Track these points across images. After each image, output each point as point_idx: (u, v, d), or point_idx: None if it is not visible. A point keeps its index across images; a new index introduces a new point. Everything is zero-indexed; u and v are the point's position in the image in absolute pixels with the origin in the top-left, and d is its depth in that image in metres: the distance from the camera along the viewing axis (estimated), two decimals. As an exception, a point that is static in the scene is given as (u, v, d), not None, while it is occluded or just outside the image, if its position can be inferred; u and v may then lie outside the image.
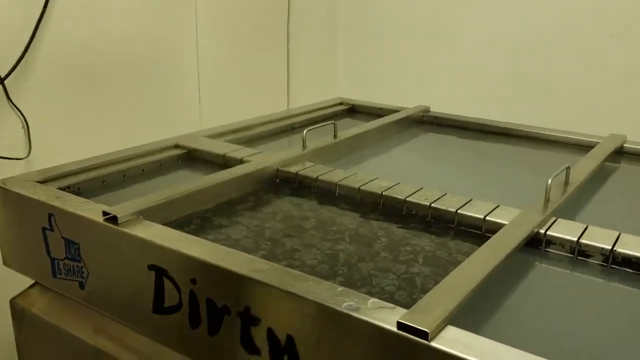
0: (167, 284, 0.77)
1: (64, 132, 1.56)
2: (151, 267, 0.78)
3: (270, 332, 0.68)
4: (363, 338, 0.61)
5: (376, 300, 0.64)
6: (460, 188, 1.06)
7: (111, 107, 1.67)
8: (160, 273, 0.78)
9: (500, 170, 1.24)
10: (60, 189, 0.99)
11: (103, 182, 1.07)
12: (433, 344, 0.57)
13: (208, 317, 0.74)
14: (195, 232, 0.86)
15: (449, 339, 0.57)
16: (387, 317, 0.60)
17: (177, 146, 1.23)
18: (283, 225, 0.90)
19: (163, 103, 1.80)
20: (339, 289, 0.66)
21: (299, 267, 0.77)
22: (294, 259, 0.79)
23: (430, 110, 1.61)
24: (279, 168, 1.09)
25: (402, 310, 0.61)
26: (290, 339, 0.66)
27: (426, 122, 1.59)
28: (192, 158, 1.21)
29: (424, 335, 0.57)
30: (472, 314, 0.66)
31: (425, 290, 0.72)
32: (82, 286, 0.90)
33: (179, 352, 0.81)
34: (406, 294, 0.71)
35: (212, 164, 1.17)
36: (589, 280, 0.78)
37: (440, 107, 1.61)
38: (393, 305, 0.63)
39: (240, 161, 1.12)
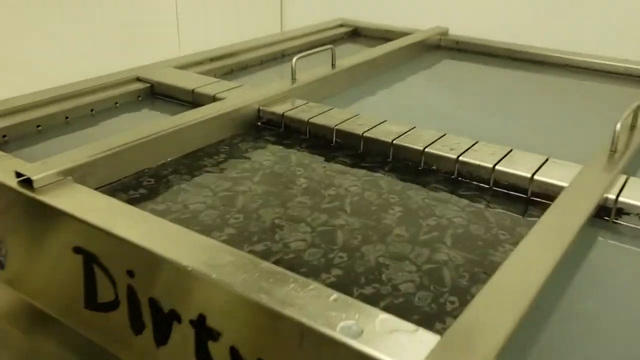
0: (99, 273, 0.56)
1: (3, 59, 1.31)
2: (77, 250, 0.57)
3: (234, 353, 0.47)
4: (368, 379, 0.40)
5: (388, 317, 0.42)
6: (494, 133, 0.83)
7: (64, 30, 1.41)
8: (89, 259, 0.56)
9: (542, 108, 1.00)
10: (-23, 137, 0.77)
11: (38, 127, 0.84)
12: (479, 400, 0.36)
13: (153, 322, 0.53)
14: (142, 200, 0.65)
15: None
16: (405, 348, 0.39)
17: (137, 79, 0.99)
18: (262, 188, 0.68)
19: (132, 26, 1.53)
20: (333, 296, 0.44)
21: (280, 254, 0.55)
22: (273, 240, 0.57)
23: (449, 32, 1.35)
24: (261, 107, 0.86)
25: (428, 336, 0.40)
26: (262, 365, 0.46)
27: (444, 47, 1.33)
28: (155, 94, 0.97)
29: (465, 387, 0.36)
30: (529, 331, 0.45)
31: (458, 290, 0.51)
32: (1, 266, 0.69)
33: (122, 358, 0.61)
34: (431, 298, 0.50)
35: (179, 102, 0.93)
36: (680, 267, 0.57)
37: (461, 28, 1.35)
38: (413, 327, 0.41)
39: (213, 98, 0.89)
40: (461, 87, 1.11)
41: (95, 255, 0.55)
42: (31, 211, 0.61)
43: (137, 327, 0.55)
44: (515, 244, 0.58)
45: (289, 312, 0.43)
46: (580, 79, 1.14)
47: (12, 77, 1.25)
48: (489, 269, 0.54)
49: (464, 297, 0.50)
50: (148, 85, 0.98)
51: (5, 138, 0.80)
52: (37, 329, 0.71)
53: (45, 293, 0.65)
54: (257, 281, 0.46)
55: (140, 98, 0.96)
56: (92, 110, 0.90)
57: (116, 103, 0.93)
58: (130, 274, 0.53)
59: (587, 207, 0.58)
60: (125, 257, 0.53)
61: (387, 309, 0.48)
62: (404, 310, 0.48)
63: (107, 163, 0.67)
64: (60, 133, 0.84)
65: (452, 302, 0.49)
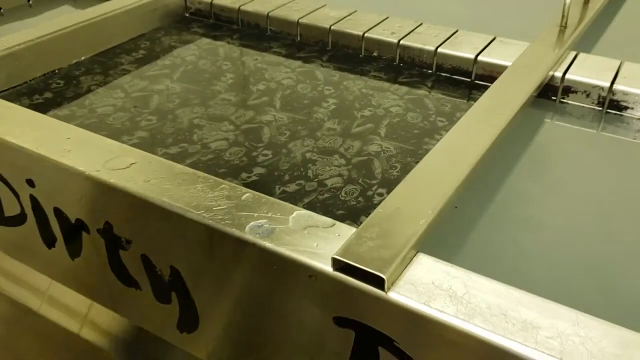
0: (1, 187, 0.51)
1: None
2: (-25, 162, 0.52)
3: (146, 261, 0.44)
4: (277, 280, 0.37)
5: (303, 212, 0.39)
6: (439, 14, 0.77)
7: None
8: (-13, 170, 0.51)
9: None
10: None
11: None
12: (391, 295, 0.33)
13: (62, 234, 0.49)
14: (46, 105, 0.58)
15: (418, 284, 0.33)
16: (317, 246, 0.36)
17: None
18: (182, 85, 0.62)
19: None
20: (245, 195, 0.40)
21: (197, 155, 0.51)
22: (190, 141, 0.52)
23: None
24: (188, -3, 0.78)
25: (344, 229, 0.37)
26: (175, 272, 0.43)
27: None
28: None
29: (377, 281, 0.33)
30: (456, 222, 0.42)
31: (387, 182, 0.47)
32: None
33: (42, 273, 0.57)
34: (358, 191, 0.46)
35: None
36: (629, 145, 0.54)
37: None
38: (331, 221, 0.38)
39: (135, -11, 0.80)
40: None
41: (-7, 165, 0.50)
42: None
43: (49, 240, 0.51)
44: (454, 130, 0.54)
45: (194, 215, 0.39)
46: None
47: None
48: (422, 158, 0.50)
49: (393, 188, 0.46)
50: (64, -22, 0.88)
51: None
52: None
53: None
54: (161, 184, 0.41)
55: (55, -6, 0.86)
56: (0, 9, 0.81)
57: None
58: (31, 183, 0.48)
59: (529, 85, 0.54)
60: (24, 166, 0.48)
61: (310, 206, 0.44)
62: (329, 205, 0.44)
63: (12, 63, 0.60)
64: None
65: (381, 195, 0.46)
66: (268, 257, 0.36)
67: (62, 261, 0.51)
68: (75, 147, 0.46)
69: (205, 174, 0.42)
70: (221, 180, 0.42)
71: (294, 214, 0.39)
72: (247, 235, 0.37)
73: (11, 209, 0.52)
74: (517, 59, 0.58)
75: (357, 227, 0.37)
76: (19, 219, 0.52)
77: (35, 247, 0.52)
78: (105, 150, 0.45)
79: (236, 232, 0.37)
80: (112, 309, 0.50)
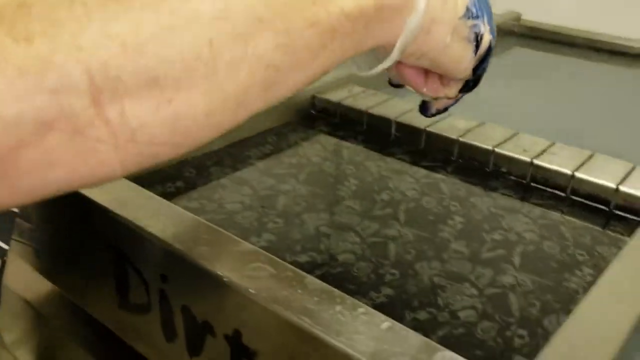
0: (132, 274, 0.52)
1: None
2: (110, 248, 0.54)
3: (270, 376, 0.43)
4: None
5: (448, 353, 0.36)
6: (573, 134, 0.74)
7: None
8: (121, 258, 0.53)
9: (626, 106, 0.90)
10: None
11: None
12: None
13: (185, 332, 0.49)
14: (176, 194, 0.60)
15: None
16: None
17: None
18: (308, 188, 0.62)
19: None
20: (385, 324, 0.39)
21: (326, 267, 0.50)
22: (318, 250, 0.52)
23: (522, 17, 1.25)
24: (316, 95, 0.80)
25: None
26: (301, 395, 0.41)
27: (518, 33, 1.23)
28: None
29: None
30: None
31: (527, 323, 0.44)
32: (38, 255, 0.67)
33: (154, 363, 0.57)
34: (495, 330, 0.43)
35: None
36: None
37: (537, 13, 1.24)
38: (476, 371, 0.35)
39: (265, 84, 0.84)
40: (534, 79, 1.01)
41: (127, 254, 0.52)
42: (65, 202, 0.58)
43: (169, 334, 0.51)
44: (594, 266, 0.50)
45: (334, 341, 0.37)
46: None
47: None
48: (563, 298, 0.47)
49: (534, 330, 0.43)
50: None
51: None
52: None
53: (79, 288, 0.63)
54: (300, 300, 0.41)
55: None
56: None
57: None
58: (164, 278, 0.49)
59: (686, 231, 0.50)
60: (159, 260, 0.49)
61: (444, 340, 0.42)
62: (465, 343, 0.42)
63: (149, 152, 0.64)
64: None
65: (521, 337, 0.43)
66: (408, 404, 0.34)
67: (178, 357, 0.50)
68: (215, 249, 0.46)
69: (342, 293, 0.41)
70: (359, 302, 0.40)
71: (439, 355, 0.36)
72: (387, 377, 0.35)
73: (137, 298, 0.53)
74: (667, 195, 0.55)
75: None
76: (144, 308, 0.53)
77: (153, 338, 0.52)
78: (243, 255, 0.46)
79: (375, 370, 0.35)
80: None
